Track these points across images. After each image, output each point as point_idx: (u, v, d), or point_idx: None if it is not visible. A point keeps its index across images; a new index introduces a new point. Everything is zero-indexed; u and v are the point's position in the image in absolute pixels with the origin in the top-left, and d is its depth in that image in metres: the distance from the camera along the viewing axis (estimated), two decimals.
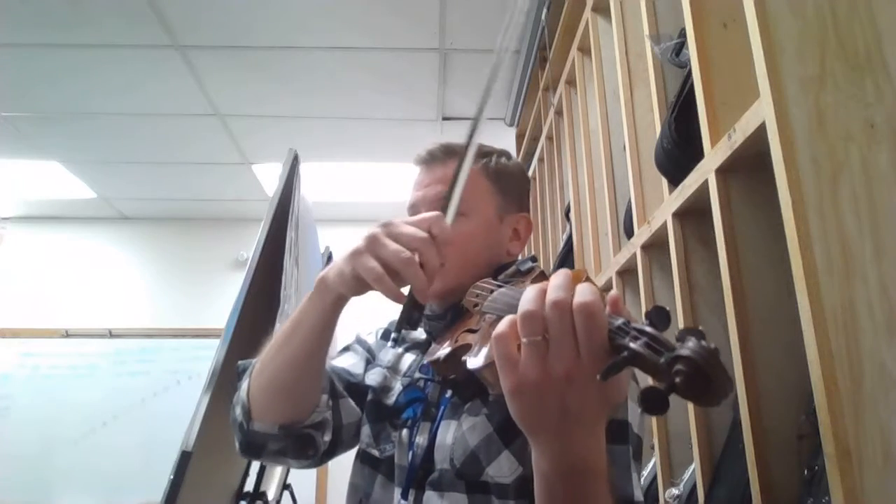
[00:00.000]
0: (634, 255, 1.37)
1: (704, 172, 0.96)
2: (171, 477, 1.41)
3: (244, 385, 0.88)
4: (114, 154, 3.64)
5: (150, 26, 2.49)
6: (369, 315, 1.17)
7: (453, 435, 0.82)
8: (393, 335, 0.89)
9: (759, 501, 0.79)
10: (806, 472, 0.76)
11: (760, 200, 0.88)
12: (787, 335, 0.80)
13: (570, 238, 2.07)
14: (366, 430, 0.93)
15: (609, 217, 1.63)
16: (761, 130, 0.76)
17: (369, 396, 0.96)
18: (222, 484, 1.99)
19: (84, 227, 4.59)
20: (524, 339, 0.53)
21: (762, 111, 0.75)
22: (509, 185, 0.98)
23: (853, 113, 0.71)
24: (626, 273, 1.49)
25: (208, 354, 1.63)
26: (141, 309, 4.42)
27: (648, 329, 0.48)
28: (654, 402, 0.44)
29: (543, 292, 0.53)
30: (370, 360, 1.02)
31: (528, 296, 0.54)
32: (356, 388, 0.97)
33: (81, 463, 4.01)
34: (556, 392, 0.52)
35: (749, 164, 0.88)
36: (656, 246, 1.29)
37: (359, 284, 0.74)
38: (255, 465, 2.20)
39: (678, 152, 1.10)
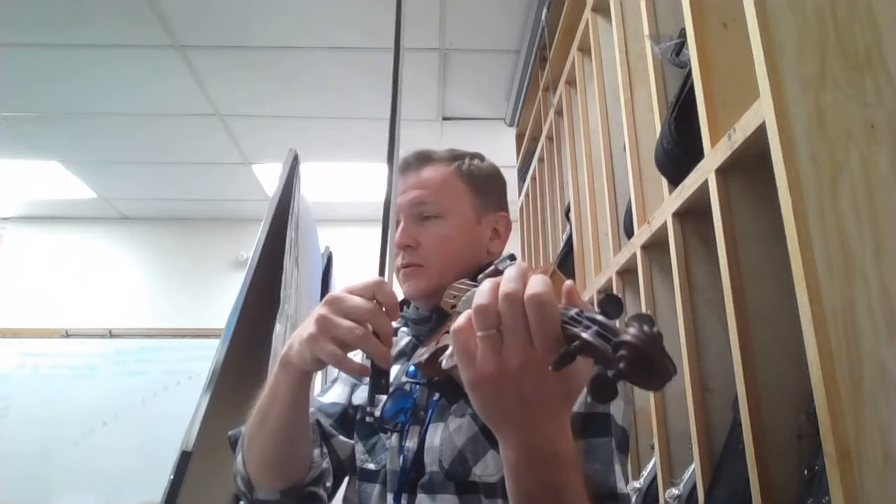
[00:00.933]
0: (634, 255, 1.37)
1: (704, 172, 0.96)
2: (171, 477, 1.41)
3: (239, 458, 0.89)
4: (114, 154, 3.64)
5: (150, 26, 2.49)
6: None
7: (441, 436, 0.83)
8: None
9: (759, 501, 0.79)
10: (806, 472, 0.76)
11: (760, 200, 0.88)
12: (787, 335, 0.80)
13: (570, 238, 2.07)
14: (359, 448, 0.94)
15: (609, 217, 1.63)
16: (761, 130, 0.76)
17: (358, 416, 0.97)
18: (222, 484, 1.99)
19: (84, 227, 4.59)
20: (479, 333, 0.54)
21: (762, 111, 0.75)
22: (484, 185, 1.01)
23: (853, 113, 0.71)
24: (626, 273, 1.49)
25: (208, 354, 1.64)
26: (141, 309, 4.42)
27: (599, 318, 0.48)
28: (601, 389, 0.44)
29: (497, 285, 0.54)
30: (356, 383, 1.02)
31: (482, 289, 0.55)
32: (343, 417, 0.98)
33: (81, 463, 4.01)
34: (512, 383, 0.53)
35: (749, 164, 0.88)
36: (656, 246, 1.29)
37: (321, 364, 0.75)
38: None
39: (678, 152, 1.10)
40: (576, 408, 0.76)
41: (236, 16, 2.47)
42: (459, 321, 0.56)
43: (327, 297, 0.74)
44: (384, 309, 0.73)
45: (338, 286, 2.82)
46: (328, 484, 0.92)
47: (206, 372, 1.57)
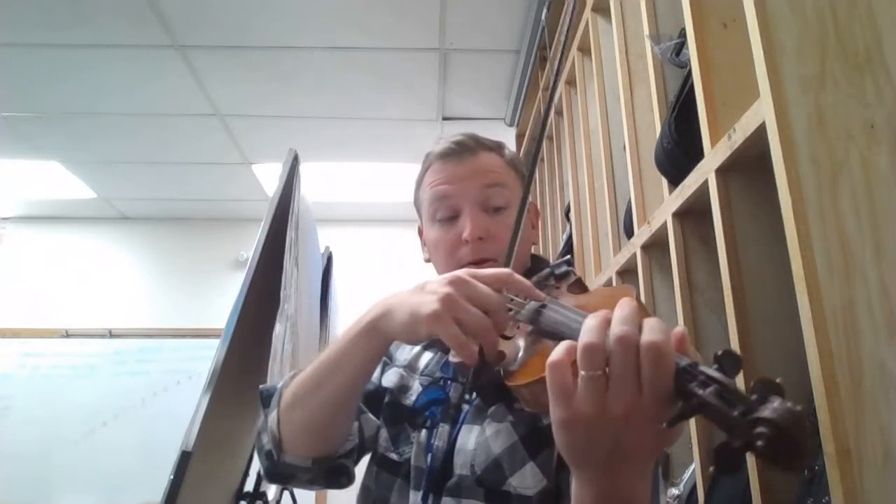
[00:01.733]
0: (634, 255, 1.37)
1: (704, 172, 0.96)
2: (171, 477, 1.41)
3: (273, 415, 0.85)
4: (114, 154, 3.64)
5: (150, 26, 2.49)
6: None
7: (476, 440, 0.79)
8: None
9: (759, 501, 0.79)
10: (806, 472, 0.76)
11: (760, 200, 0.88)
12: (787, 335, 0.80)
13: (570, 238, 2.07)
14: (383, 434, 0.90)
15: (609, 217, 1.63)
16: (761, 130, 0.76)
17: (386, 398, 0.92)
18: (222, 484, 1.99)
19: (84, 227, 4.59)
20: (583, 372, 0.50)
21: (762, 111, 0.75)
22: (524, 174, 0.96)
23: (853, 113, 0.71)
24: (626, 273, 1.49)
25: (208, 354, 1.63)
26: (141, 309, 4.42)
27: (718, 375, 0.45)
28: (729, 462, 0.41)
29: (607, 323, 0.51)
30: (387, 363, 0.98)
31: (591, 325, 0.51)
32: (373, 396, 0.94)
33: (81, 463, 4.01)
34: (611, 430, 0.50)
35: (749, 164, 0.88)
36: (656, 246, 1.29)
37: (423, 339, 0.71)
38: (256, 465, 2.20)
39: (678, 152, 1.10)
40: None
41: (236, 16, 2.47)
42: (558, 354, 0.52)
43: (452, 276, 0.69)
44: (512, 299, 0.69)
45: (338, 286, 2.83)
46: (355, 459, 0.89)
47: (206, 372, 1.57)
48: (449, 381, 0.87)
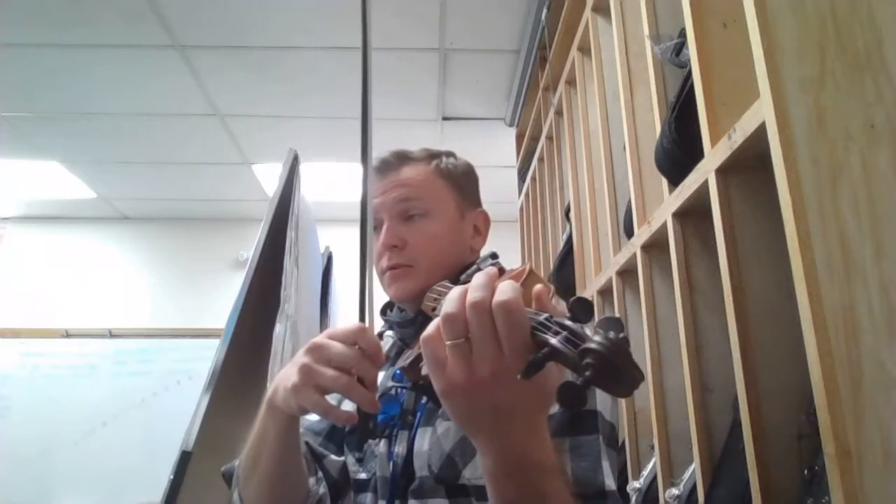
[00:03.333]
0: (634, 255, 1.36)
1: (704, 172, 0.96)
2: (171, 477, 1.42)
3: (235, 495, 0.88)
4: (114, 154, 3.64)
5: (150, 26, 2.49)
6: None
7: (429, 441, 0.82)
8: (358, 456, 0.89)
9: (759, 501, 0.79)
10: (806, 472, 0.76)
11: (760, 200, 0.88)
12: (787, 335, 0.80)
13: (570, 238, 2.07)
14: (350, 460, 0.93)
15: (609, 217, 1.63)
16: (761, 130, 0.76)
17: (347, 428, 0.95)
18: (222, 484, 1.99)
19: (84, 227, 4.59)
20: (447, 342, 0.53)
21: (762, 111, 0.75)
22: (464, 182, 1.00)
23: (853, 113, 0.71)
24: (626, 273, 1.49)
25: (208, 354, 1.64)
26: (141, 309, 4.42)
27: (568, 323, 0.47)
28: (569, 397, 0.43)
29: (465, 293, 0.53)
30: (342, 398, 1.01)
31: (451, 297, 0.54)
32: (332, 433, 0.97)
33: (81, 463, 4.01)
34: (484, 392, 0.52)
35: (749, 164, 0.88)
36: (656, 246, 1.28)
37: (299, 411, 0.74)
38: None
39: (678, 152, 1.10)
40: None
41: (236, 16, 2.47)
42: (429, 330, 0.55)
43: (309, 344, 0.73)
44: (368, 355, 0.71)
45: (338, 286, 2.83)
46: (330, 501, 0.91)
47: (206, 372, 1.57)
48: (402, 390, 0.90)
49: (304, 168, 2.05)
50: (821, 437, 0.64)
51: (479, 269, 0.87)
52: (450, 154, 1.03)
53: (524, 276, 0.57)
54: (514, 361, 0.49)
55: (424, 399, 0.86)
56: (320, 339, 0.73)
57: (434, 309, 0.76)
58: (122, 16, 2.43)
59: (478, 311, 0.51)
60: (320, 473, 0.92)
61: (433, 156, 1.00)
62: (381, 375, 0.96)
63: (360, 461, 0.91)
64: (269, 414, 0.79)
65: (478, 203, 1.03)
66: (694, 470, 1.04)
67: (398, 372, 0.90)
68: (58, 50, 2.64)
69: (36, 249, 4.54)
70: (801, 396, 0.79)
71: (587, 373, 0.42)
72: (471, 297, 0.52)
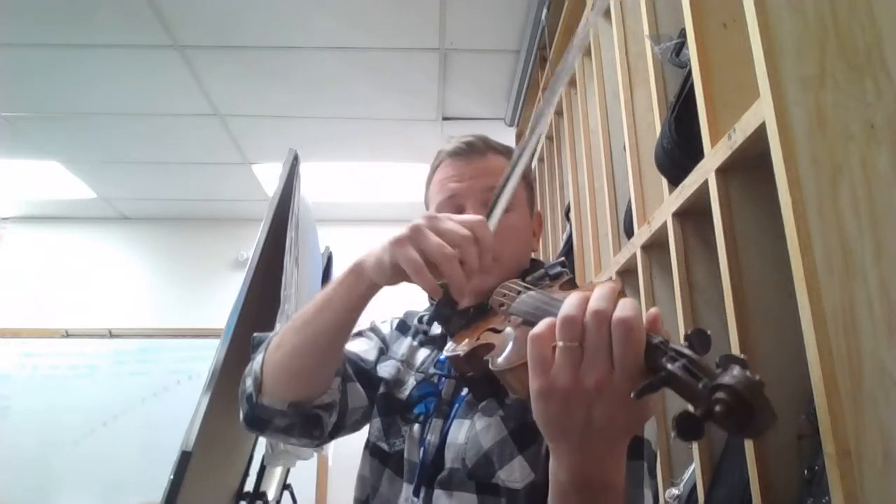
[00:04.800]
0: (634, 255, 1.37)
1: (704, 172, 0.96)
2: (171, 477, 1.41)
3: (258, 358, 0.87)
4: (114, 154, 3.64)
5: (150, 26, 2.49)
6: (397, 302, 1.09)
7: (466, 434, 0.81)
8: (423, 328, 0.88)
9: (759, 501, 0.79)
10: (806, 472, 0.76)
11: (760, 200, 0.88)
12: (787, 335, 0.80)
13: (570, 238, 2.07)
14: (376, 423, 0.92)
15: (609, 217, 1.63)
16: (761, 130, 0.76)
17: (381, 389, 0.94)
18: (222, 484, 1.99)
19: (84, 227, 4.59)
20: (560, 343, 0.52)
21: (762, 111, 0.75)
22: (532, 183, 1.01)
23: (853, 113, 0.71)
24: (626, 273, 1.49)
25: (208, 354, 1.64)
26: (141, 309, 4.42)
27: (687, 351, 0.46)
28: (689, 429, 0.42)
29: (586, 300, 0.53)
30: (383, 351, 1.00)
31: (571, 301, 0.54)
32: (366, 375, 0.95)
33: (81, 463, 4.01)
34: (584, 401, 0.51)
35: (749, 164, 0.88)
36: (656, 246, 1.28)
37: (396, 274, 0.72)
38: (256, 465, 2.20)
39: (678, 152, 1.10)
40: None
41: (236, 16, 2.47)
42: (540, 327, 0.54)
43: (425, 214, 0.72)
44: (479, 243, 0.70)
45: None
46: (332, 418, 0.90)
47: (206, 372, 1.57)
48: (442, 377, 0.89)
49: (304, 168, 2.05)
50: (821, 437, 0.64)
51: (547, 274, 0.86)
52: (513, 151, 1.01)
53: (619, 292, 0.56)
54: (622, 378, 0.49)
55: (465, 391, 0.85)
56: (441, 214, 0.72)
57: (502, 305, 0.74)
58: (121, 16, 2.43)
59: (598, 319, 0.51)
60: (341, 386, 0.91)
61: (508, 150, 0.99)
62: (422, 354, 0.95)
63: (385, 431, 0.90)
64: (347, 278, 0.78)
65: (536, 204, 1.04)
66: (694, 470, 1.04)
67: (442, 358, 0.89)
68: (58, 50, 2.64)
69: (36, 249, 4.54)
70: (801, 396, 0.79)
71: (717, 407, 0.41)
72: (594, 305, 0.52)
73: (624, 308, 0.51)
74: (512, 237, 0.89)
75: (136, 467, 3.88)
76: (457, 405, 0.85)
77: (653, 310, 0.54)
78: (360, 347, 0.99)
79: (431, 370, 0.91)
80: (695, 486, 1.03)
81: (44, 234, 4.57)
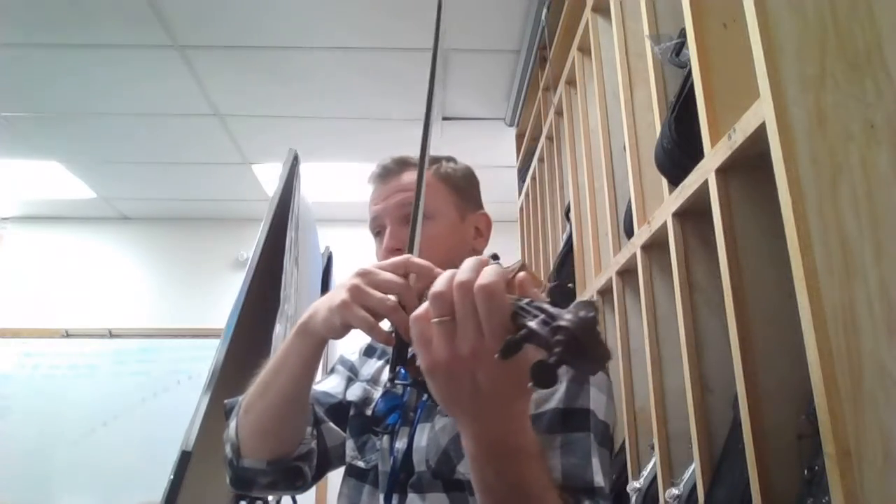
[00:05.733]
0: (634, 255, 1.36)
1: (704, 172, 0.96)
2: (171, 477, 1.42)
3: (232, 424, 0.91)
4: (114, 154, 3.64)
5: (150, 26, 2.49)
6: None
7: (427, 436, 0.85)
8: (389, 376, 0.90)
9: (759, 501, 0.79)
10: (806, 472, 0.76)
11: (760, 200, 0.88)
12: (787, 335, 0.80)
13: (570, 238, 2.07)
14: (350, 445, 0.96)
15: (609, 217, 1.63)
16: (761, 130, 0.76)
17: (351, 412, 0.98)
18: (222, 484, 1.99)
19: (84, 227, 4.58)
20: (434, 320, 0.55)
21: (762, 111, 0.75)
22: (463, 185, 1.03)
23: (853, 113, 0.71)
24: (626, 273, 1.49)
25: (208, 354, 1.64)
26: (141, 309, 4.42)
27: (546, 306, 0.48)
28: (541, 375, 0.44)
29: (454, 275, 0.56)
30: (352, 378, 1.04)
31: (441, 278, 0.56)
32: (337, 409, 1.00)
33: (81, 463, 4.01)
34: (465, 371, 0.54)
35: (749, 164, 0.88)
36: (656, 246, 1.28)
37: (345, 330, 0.76)
38: None
39: (678, 152, 1.10)
40: (555, 403, 0.78)
41: (236, 16, 2.47)
42: (418, 310, 0.58)
43: (359, 269, 0.76)
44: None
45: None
46: (313, 464, 0.94)
47: (206, 372, 1.57)
48: (406, 387, 0.92)
49: (304, 168, 2.05)
50: (821, 437, 0.64)
51: None
52: (450, 159, 1.06)
53: (519, 268, 0.59)
54: (494, 342, 0.51)
55: (425, 396, 0.88)
56: (370, 265, 0.76)
57: None
58: (122, 16, 2.43)
59: (462, 290, 0.54)
60: (315, 430, 0.96)
61: (432, 161, 1.02)
62: (386, 372, 0.98)
63: (359, 449, 0.94)
64: (297, 338, 0.82)
65: (479, 206, 1.05)
66: (694, 470, 1.04)
67: (402, 370, 0.92)
68: (58, 50, 2.64)
69: (36, 249, 4.53)
70: (801, 396, 0.79)
71: (556, 349, 0.43)
72: (458, 278, 0.54)
73: (484, 275, 0.53)
74: (433, 246, 0.92)
75: (136, 467, 3.88)
76: (420, 410, 0.89)
77: (521, 274, 0.56)
78: (329, 385, 1.03)
79: (395, 381, 0.94)
80: (695, 486, 1.03)
81: (44, 234, 4.57)
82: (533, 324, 0.47)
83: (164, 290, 4.48)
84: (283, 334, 1.74)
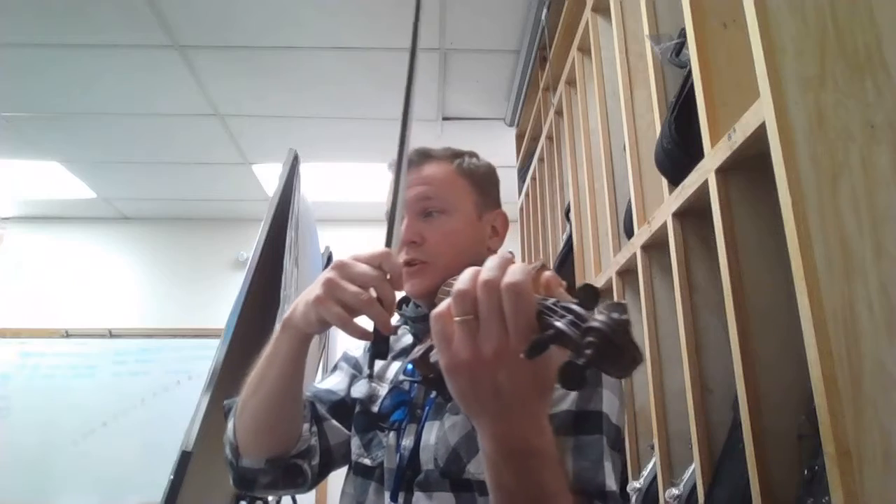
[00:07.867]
0: (634, 255, 1.37)
1: (704, 172, 0.96)
2: (171, 477, 1.41)
3: (230, 424, 0.91)
4: (114, 154, 3.64)
5: (150, 26, 2.49)
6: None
7: (436, 435, 0.84)
8: (368, 373, 0.92)
9: (759, 501, 0.79)
10: (806, 472, 0.76)
11: (760, 200, 0.88)
12: (787, 335, 0.80)
13: (570, 238, 2.07)
14: (356, 442, 0.95)
15: (609, 217, 1.63)
16: (761, 130, 0.76)
17: (357, 409, 0.97)
18: (222, 484, 1.99)
19: (84, 227, 4.59)
20: (457, 318, 0.54)
21: (762, 111, 0.75)
22: (484, 182, 1.01)
23: (853, 113, 0.71)
24: (626, 273, 1.49)
25: (208, 354, 1.63)
26: (141, 309, 4.42)
27: (574, 307, 0.47)
28: (569, 377, 0.43)
29: (478, 273, 0.54)
30: (356, 375, 1.03)
31: (464, 276, 0.55)
32: (341, 406, 0.99)
33: (81, 463, 4.01)
34: (487, 371, 0.53)
35: (749, 164, 0.88)
36: (656, 246, 1.29)
37: (324, 326, 0.76)
38: None
39: (678, 152, 1.10)
40: (567, 405, 0.77)
41: (236, 16, 2.47)
42: (440, 307, 0.56)
43: (335, 262, 0.75)
44: (389, 278, 0.74)
45: None
46: (314, 462, 0.93)
47: (206, 372, 1.57)
48: (413, 384, 0.91)
49: (304, 168, 2.05)
50: (821, 437, 0.64)
51: None
52: (472, 154, 1.03)
53: (539, 268, 0.58)
54: (518, 342, 0.50)
55: (434, 394, 0.87)
56: (345, 258, 0.75)
57: None
58: (121, 16, 2.43)
59: (488, 289, 0.52)
60: (315, 428, 0.95)
61: (455, 155, 1.00)
62: (394, 367, 0.98)
63: (365, 447, 0.93)
64: (282, 333, 0.82)
65: (497, 204, 1.04)
66: (694, 470, 1.04)
67: (409, 366, 0.91)
68: (58, 50, 2.64)
69: (36, 249, 4.54)
70: (801, 396, 0.79)
71: (588, 351, 0.42)
72: (482, 276, 0.53)
73: (511, 274, 0.52)
74: (448, 241, 0.92)
75: (136, 467, 3.88)
76: (427, 408, 0.88)
77: (547, 273, 0.56)
78: (331, 382, 1.03)
79: (401, 377, 0.94)
80: (695, 486, 1.03)
81: (44, 234, 4.57)
82: (560, 324, 0.46)
83: (164, 290, 4.48)
84: None
